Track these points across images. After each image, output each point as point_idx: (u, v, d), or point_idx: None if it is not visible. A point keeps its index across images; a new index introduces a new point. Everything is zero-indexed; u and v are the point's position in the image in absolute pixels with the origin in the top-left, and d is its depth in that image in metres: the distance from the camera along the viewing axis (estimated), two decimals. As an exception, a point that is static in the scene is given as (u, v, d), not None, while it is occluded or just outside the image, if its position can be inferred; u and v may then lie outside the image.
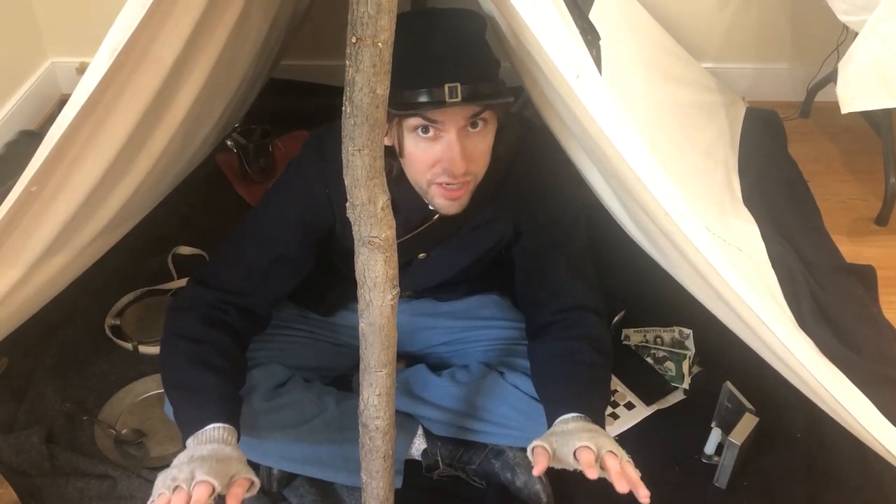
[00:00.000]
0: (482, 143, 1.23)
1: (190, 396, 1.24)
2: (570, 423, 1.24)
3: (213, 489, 1.06)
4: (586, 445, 1.13)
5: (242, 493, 1.09)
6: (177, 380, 1.28)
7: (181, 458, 1.14)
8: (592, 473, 1.09)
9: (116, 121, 1.16)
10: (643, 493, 1.08)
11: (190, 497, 1.04)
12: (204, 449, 1.15)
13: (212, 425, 1.19)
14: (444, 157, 1.19)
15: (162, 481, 1.09)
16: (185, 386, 1.26)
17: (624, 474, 1.10)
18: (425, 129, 1.18)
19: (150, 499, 1.07)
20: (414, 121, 1.17)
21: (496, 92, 1.19)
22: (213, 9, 1.13)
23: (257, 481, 1.12)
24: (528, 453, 1.18)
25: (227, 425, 1.20)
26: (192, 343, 1.29)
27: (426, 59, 1.15)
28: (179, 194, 1.85)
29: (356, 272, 1.04)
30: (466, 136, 1.20)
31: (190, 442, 1.18)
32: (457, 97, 1.13)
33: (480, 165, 1.25)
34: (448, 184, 1.22)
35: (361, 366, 1.14)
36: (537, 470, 1.13)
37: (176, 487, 1.05)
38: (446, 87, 1.13)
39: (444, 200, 1.26)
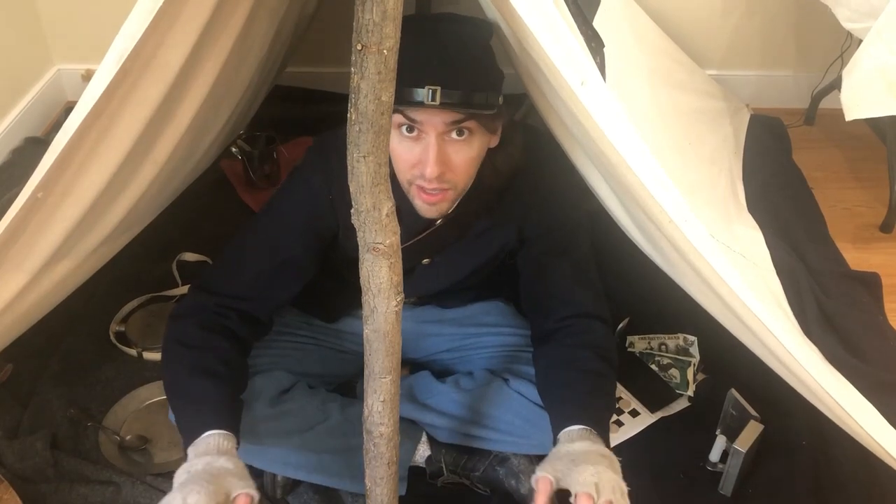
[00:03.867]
0: (465, 152, 1.21)
1: (188, 404, 1.24)
2: (575, 441, 1.22)
3: None
4: (587, 492, 1.10)
5: None
6: (177, 388, 1.28)
7: (180, 473, 1.13)
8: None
9: (122, 127, 1.16)
10: None
11: None
12: (198, 463, 1.13)
13: (208, 433, 1.18)
14: (421, 159, 1.19)
15: None
16: (184, 394, 1.26)
17: None
18: (410, 129, 1.18)
19: None
20: (398, 117, 1.17)
21: (484, 103, 1.17)
22: (218, 15, 1.13)
23: (256, 495, 1.10)
24: (533, 483, 1.17)
25: (223, 431, 1.19)
26: (191, 350, 1.29)
27: (415, 58, 1.13)
28: (184, 201, 1.85)
29: (361, 278, 1.04)
30: (448, 142, 1.19)
31: (189, 452, 1.17)
32: (436, 101, 1.13)
33: (460, 175, 1.24)
34: (425, 187, 1.22)
35: (366, 372, 1.14)
36: (540, 501, 1.13)
37: None
38: (427, 88, 1.13)
39: (421, 203, 1.26)
